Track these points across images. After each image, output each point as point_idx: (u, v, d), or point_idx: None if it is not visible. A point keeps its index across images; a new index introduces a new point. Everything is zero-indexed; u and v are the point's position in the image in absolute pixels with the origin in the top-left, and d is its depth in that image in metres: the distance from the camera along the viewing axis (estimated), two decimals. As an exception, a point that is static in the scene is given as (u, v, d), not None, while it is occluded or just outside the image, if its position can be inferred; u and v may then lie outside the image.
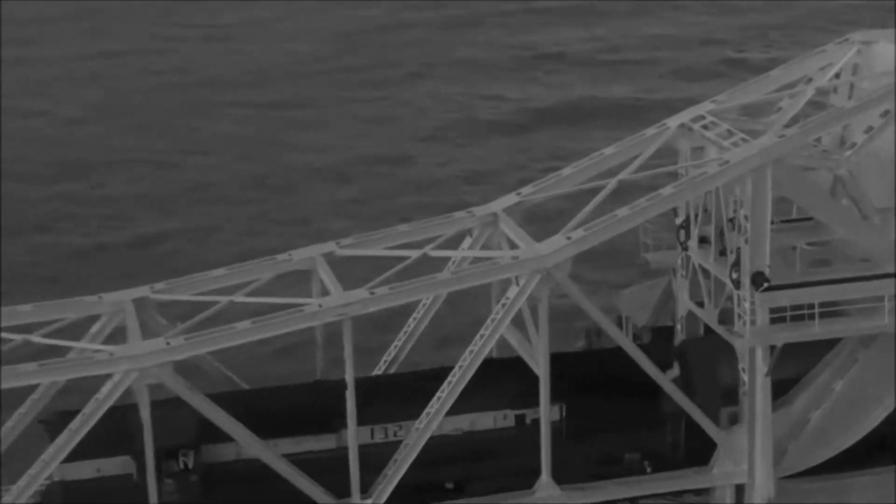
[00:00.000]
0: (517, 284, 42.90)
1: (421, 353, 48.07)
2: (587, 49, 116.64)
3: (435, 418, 42.43)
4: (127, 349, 41.03)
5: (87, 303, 43.84)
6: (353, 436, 42.06)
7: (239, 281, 44.47)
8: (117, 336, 43.11)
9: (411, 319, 46.87)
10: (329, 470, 42.74)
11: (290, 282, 44.97)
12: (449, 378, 42.59)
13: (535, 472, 43.63)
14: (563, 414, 45.02)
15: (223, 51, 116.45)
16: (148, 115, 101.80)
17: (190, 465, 43.03)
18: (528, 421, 44.74)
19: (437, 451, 43.30)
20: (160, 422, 41.31)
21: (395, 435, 43.99)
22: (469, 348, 42.79)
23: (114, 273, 72.32)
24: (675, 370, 45.60)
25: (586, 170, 46.69)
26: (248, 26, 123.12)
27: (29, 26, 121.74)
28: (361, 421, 42.66)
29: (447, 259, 45.06)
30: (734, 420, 44.91)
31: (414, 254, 44.28)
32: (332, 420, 43.51)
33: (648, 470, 45.08)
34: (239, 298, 43.61)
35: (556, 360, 44.03)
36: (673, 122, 47.16)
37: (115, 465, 42.54)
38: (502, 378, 44.72)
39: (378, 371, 47.33)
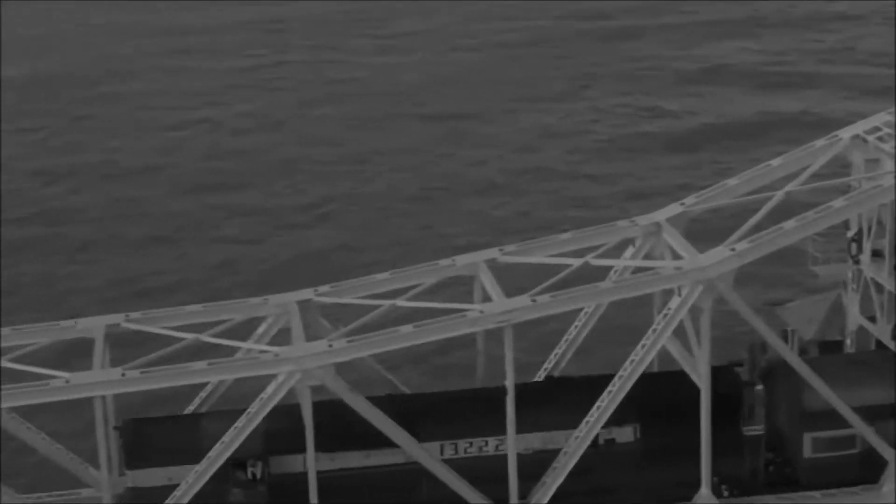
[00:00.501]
0: (679, 295, 42.61)
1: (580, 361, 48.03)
2: (753, 61, 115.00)
3: (594, 427, 42.40)
4: (291, 350, 41.78)
5: (253, 304, 44.82)
6: (513, 442, 42.20)
7: (402, 285, 44.98)
8: (281, 337, 43.99)
9: (573, 327, 46.84)
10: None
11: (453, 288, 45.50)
12: (609, 387, 42.47)
13: (610, 492, 43.53)
14: (638, 435, 44.38)
15: (393, 63, 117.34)
16: (317, 126, 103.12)
17: (258, 476, 43.17)
18: (601, 441, 43.79)
19: (501, 470, 42.67)
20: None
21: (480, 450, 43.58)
22: (630, 358, 42.64)
23: (277, 278, 73.73)
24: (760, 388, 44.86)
25: (752, 181, 46.25)
26: (417, 37, 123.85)
27: (215, 33, 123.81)
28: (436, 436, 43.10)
29: (609, 268, 44.97)
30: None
31: (576, 262, 44.27)
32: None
33: (725, 494, 44.22)
34: (401, 302, 44.06)
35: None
36: (846, 133, 46.42)
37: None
38: (576, 396, 43.66)
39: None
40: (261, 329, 44.52)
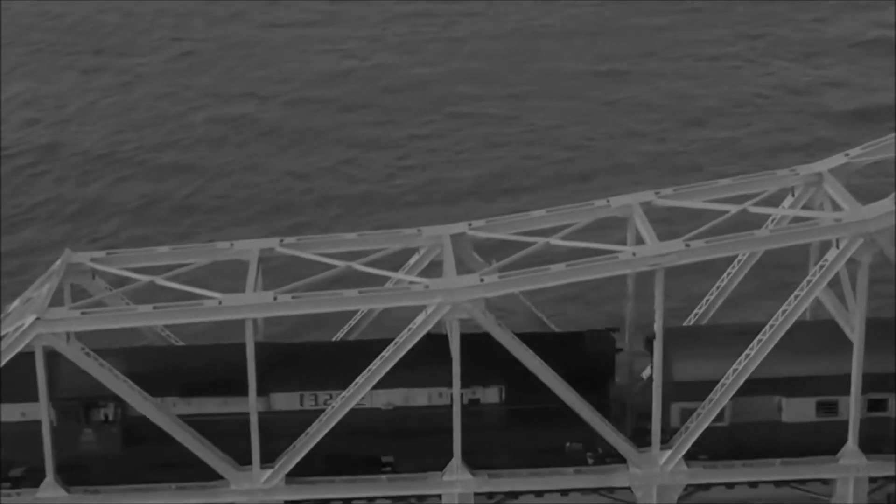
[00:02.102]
0: (837, 247, 41.74)
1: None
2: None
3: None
4: (442, 283, 41.88)
5: (407, 235, 44.98)
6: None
7: (556, 224, 44.73)
8: (433, 270, 44.15)
9: (725, 275, 46.19)
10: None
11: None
12: (759, 336, 41.89)
13: (473, 452, 42.46)
14: (503, 397, 43.41)
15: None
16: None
17: (110, 417, 42.81)
18: (464, 401, 42.75)
19: (367, 425, 42.51)
20: (82, 373, 41.14)
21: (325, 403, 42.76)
22: (782, 307, 41.97)
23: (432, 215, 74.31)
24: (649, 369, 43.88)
25: (924, 135, 45.03)
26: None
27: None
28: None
29: (766, 216, 44.24)
30: None
31: (733, 208, 43.61)
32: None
33: (590, 462, 43.44)
34: (555, 241, 43.84)
35: (486, 342, 42.21)
36: None
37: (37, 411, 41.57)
38: (443, 355, 42.47)
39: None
40: (413, 260, 44.71)
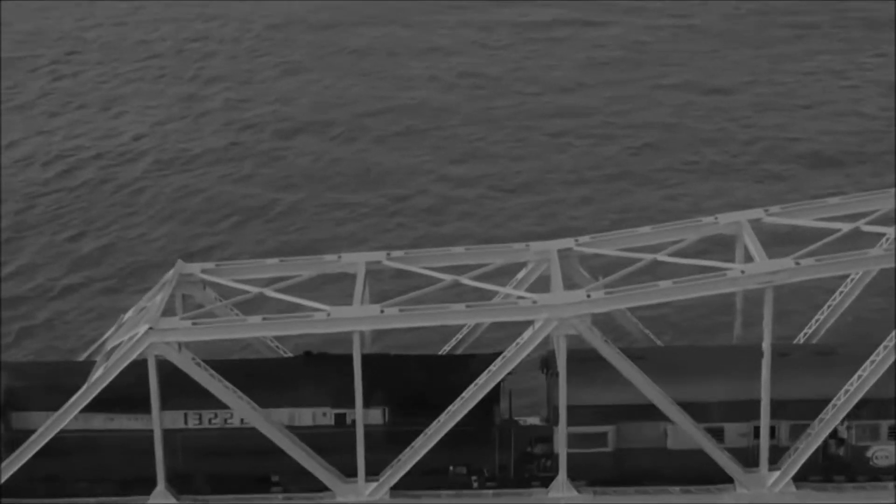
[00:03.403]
0: (949, 267, 41.15)
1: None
2: None
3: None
4: (549, 298, 41.82)
5: (515, 250, 45.06)
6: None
7: (664, 240, 44.55)
8: (540, 284, 44.11)
9: (837, 294, 45.65)
10: None
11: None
12: (873, 357, 41.34)
13: (352, 473, 42.20)
14: (387, 418, 42.96)
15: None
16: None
17: None
18: (348, 421, 42.56)
19: (254, 443, 42.12)
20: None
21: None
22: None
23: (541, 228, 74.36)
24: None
25: None
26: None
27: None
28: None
29: (880, 235, 43.65)
30: None
31: (845, 227, 43.11)
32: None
33: (475, 486, 42.96)
34: (662, 257, 43.63)
35: (382, 361, 42.56)
36: None
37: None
38: (327, 374, 42.65)
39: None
40: (520, 275, 44.74)
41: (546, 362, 43.80)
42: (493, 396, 42.66)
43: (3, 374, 43.60)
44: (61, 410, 41.56)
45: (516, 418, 45.26)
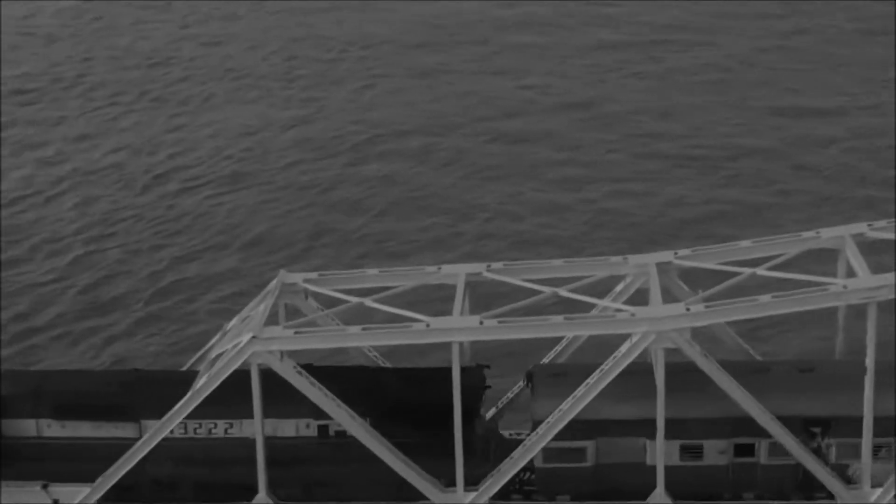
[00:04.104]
0: None
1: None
2: None
3: None
4: (647, 311, 41.86)
5: (614, 263, 45.16)
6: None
7: (763, 254, 44.33)
8: (638, 297, 44.18)
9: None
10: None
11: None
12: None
13: (338, 484, 42.72)
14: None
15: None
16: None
17: None
18: (331, 432, 42.89)
19: (238, 454, 42.69)
20: None
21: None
22: None
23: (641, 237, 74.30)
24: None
25: None
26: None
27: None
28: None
29: None
30: None
31: (953, 243, 42.74)
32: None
33: None
34: (762, 271, 43.45)
35: (365, 372, 42.80)
36: None
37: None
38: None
39: None
40: (619, 287, 44.83)
41: (530, 376, 43.99)
42: (474, 408, 43.25)
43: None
44: (166, 418, 42.36)
45: (503, 431, 45.56)
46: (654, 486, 42.32)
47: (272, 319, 43.35)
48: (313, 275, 45.96)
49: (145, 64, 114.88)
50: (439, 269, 45.75)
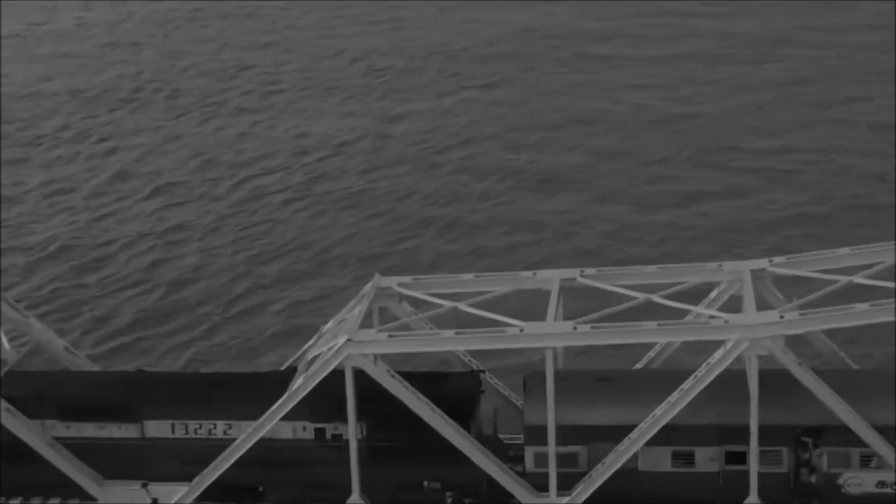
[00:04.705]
0: None
1: None
2: None
3: None
4: (741, 318, 41.68)
5: (708, 270, 45.07)
6: None
7: (860, 262, 44.05)
8: (732, 304, 44.02)
9: None
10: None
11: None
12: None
13: (333, 486, 43.05)
14: (365, 433, 43.26)
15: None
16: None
17: None
18: (328, 435, 43.42)
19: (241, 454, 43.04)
20: None
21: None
22: None
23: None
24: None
25: None
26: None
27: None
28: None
29: None
30: None
31: None
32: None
33: (449, 502, 43.04)
34: (858, 279, 43.09)
35: (363, 375, 42.56)
36: None
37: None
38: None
39: None
40: (713, 294, 44.74)
41: (525, 382, 44.08)
42: (469, 412, 43.60)
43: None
44: (263, 418, 43.02)
45: (501, 436, 45.72)
46: (645, 493, 42.76)
47: (366, 323, 43.83)
48: (407, 279, 46.35)
49: (228, 70, 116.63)
50: (534, 274, 45.92)
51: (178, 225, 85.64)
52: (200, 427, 44.83)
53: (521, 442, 44.33)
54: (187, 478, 44.15)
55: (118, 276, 78.54)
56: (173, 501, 43.75)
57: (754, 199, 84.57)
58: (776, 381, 41.80)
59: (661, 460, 42.61)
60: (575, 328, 42.06)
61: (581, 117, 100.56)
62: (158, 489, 43.77)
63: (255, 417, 43.31)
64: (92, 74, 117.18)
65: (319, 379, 42.38)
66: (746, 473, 42.10)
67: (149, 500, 43.62)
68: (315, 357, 43.68)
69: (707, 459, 42.79)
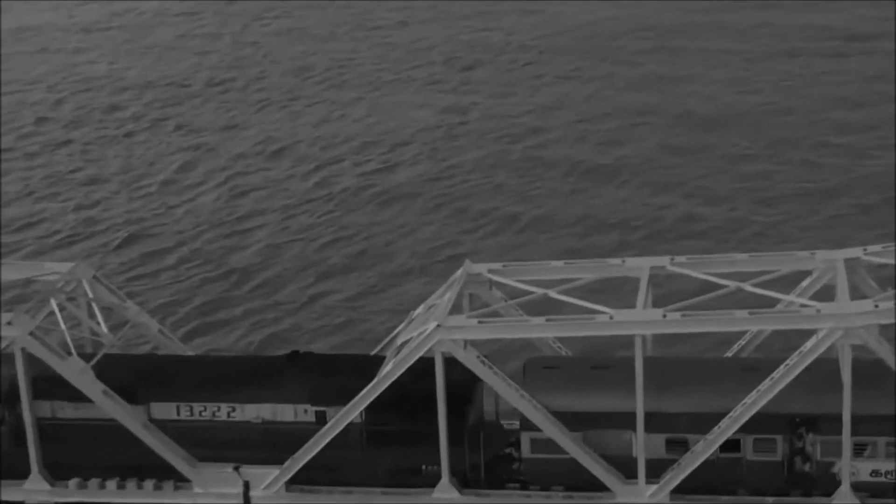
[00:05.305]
0: None
1: None
2: None
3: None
4: (834, 307, 41.30)
5: (800, 258, 44.78)
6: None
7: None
8: (825, 293, 43.69)
9: None
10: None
11: None
12: None
13: (333, 470, 43.46)
14: (363, 417, 43.34)
15: None
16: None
17: (2, 417, 44.96)
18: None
19: (240, 436, 43.97)
20: None
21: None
22: None
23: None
24: None
25: None
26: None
27: None
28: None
29: None
30: None
31: None
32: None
33: None
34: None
35: (363, 360, 43.73)
36: None
37: None
38: (310, 373, 44.77)
39: None
40: (805, 283, 44.39)
41: (525, 368, 44.28)
42: (467, 398, 43.67)
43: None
44: (351, 403, 43.21)
45: (502, 422, 45.90)
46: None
47: (456, 309, 43.90)
48: (497, 265, 46.42)
49: (308, 58, 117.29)
50: (623, 261, 45.84)
51: (252, 211, 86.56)
52: (205, 409, 45.23)
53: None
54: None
55: (193, 264, 79.44)
56: (264, 485, 44.09)
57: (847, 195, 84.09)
58: (771, 369, 42.12)
59: (656, 447, 42.52)
60: (664, 316, 41.90)
61: (652, 109, 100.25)
62: (250, 472, 44.09)
63: (258, 401, 44.37)
64: (171, 64, 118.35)
65: (409, 364, 42.57)
66: (740, 461, 42.27)
67: (241, 483, 43.99)
68: (404, 343, 43.87)
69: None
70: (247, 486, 44.09)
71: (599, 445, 42.88)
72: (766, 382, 41.30)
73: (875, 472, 42.25)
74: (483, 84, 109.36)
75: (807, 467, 42.78)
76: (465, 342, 42.35)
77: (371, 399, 43.10)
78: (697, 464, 42.06)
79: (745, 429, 41.74)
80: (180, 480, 44.75)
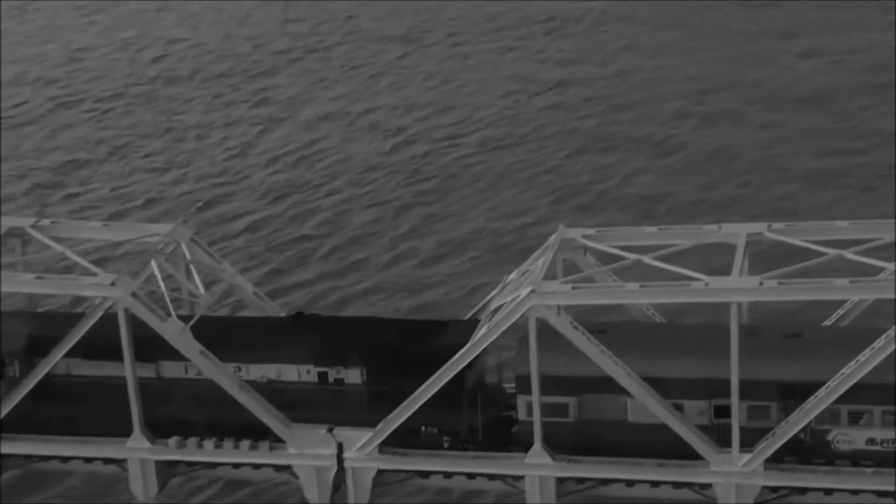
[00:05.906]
0: None
1: None
2: None
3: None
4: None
5: (905, 226, 43.91)
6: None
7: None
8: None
9: None
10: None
11: None
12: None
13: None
14: (364, 377, 43.82)
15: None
16: None
17: (17, 374, 45.65)
18: (330, 379, 44.25)
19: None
20: None
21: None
22: None
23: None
24: None
25: None
26: None
27: None
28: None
29: None
30: None
31: None
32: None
33: (446, 446, 43.53)
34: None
35: (365, 323, 44.81)
36: None
37: None
38: (313, 334, 45.55)
39: None
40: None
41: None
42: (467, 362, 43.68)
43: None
44: (438, 373, 42.98)
45: (505, 385, 45.92)
46: (635, 444, 42.87)
47: (550, 274, 43.59)
48: (591, 230, 46.06)
49: (401, 26, 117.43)
50: (719, 227, 45.23)
51: (354, 178, 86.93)
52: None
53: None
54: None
55: (286, 231, 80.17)
56: (357, 446, 44.19)
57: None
58: (766, 337, 42.13)
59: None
60: (761, 283, 41.32)
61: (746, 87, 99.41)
62: (344, 434, 44.25)
63: (264, 360, 45.19)
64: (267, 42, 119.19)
65: (503, 329, 42.35)
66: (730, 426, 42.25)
67: (334, 445, 44.15)
68: (498, 307, 43.66)
69: (696, 413, 42.76)
70: (340, 447, 44.25)
71: (595, 410, 43.27)
72: (867, 352, 40.58)
73: (871, 441, 42.20)
74: (577, 52, 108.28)
75: (801, 435, 42.43)
76: (559, 307, 42.05)
77: (467, 362, 43.02)
78: (792, 433, 41.52)
79: (739, 395, 41.53)
80: (276, 441, 45.03)
